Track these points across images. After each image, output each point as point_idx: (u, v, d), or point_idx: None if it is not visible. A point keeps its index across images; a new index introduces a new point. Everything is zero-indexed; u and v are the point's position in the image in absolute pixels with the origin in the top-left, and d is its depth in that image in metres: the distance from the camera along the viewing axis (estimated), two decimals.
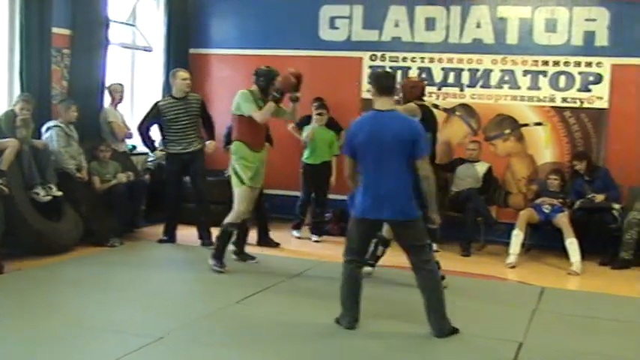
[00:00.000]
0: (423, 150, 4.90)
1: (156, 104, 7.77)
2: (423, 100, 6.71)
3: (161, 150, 8.08)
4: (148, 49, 9.43)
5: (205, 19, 9.85)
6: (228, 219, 6.58)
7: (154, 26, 9.52)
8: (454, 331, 4.99)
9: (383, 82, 5.03)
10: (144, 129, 7.79)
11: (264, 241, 8.06)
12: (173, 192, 7.87)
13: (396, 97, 5.51)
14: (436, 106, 8.93)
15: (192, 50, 9.82)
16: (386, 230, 6.16)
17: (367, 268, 6.27)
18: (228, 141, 8.02)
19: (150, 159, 9.06)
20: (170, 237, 7.89)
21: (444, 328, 4.94)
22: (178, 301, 5.69)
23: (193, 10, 9.81)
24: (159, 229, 8.46)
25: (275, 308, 5.55)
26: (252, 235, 8.04)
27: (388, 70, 5.11)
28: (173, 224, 7.92)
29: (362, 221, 5.03)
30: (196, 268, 6.84)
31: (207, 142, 7.88)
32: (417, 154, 4.87)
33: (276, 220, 8.65)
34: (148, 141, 7.84)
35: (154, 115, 7.70)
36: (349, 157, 5.03)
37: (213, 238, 7.72)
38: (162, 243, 7.84)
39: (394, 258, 7.75)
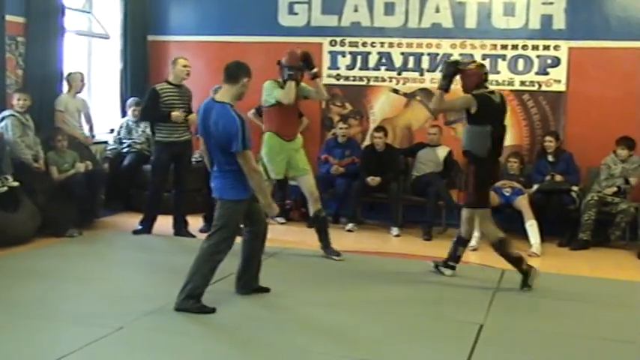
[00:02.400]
0: (235, 146, 4.89)
1: (153, 89, 7.51)
2: (486, 88, 6.09)
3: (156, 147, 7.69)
4: (104, 37, 9.29)
5: (163, 6, 9.72)
6: None
7: (110, 13, 9.38)
8: (185, 308, 5.00)
9: (228, 70, 5.10)
10: (150, 117, 7.63)
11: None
12: (159, 182, 7.64)
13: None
14: (396, 91, 9.00)
15: (150, 37, 9.69)
16: (465, 230, 6.24)
17: (447, 270, 6.33)
18: None
19: (109, 147, 8.98)
20: (146, 227, 7.64)
21: (179, 302, 5.02)
22: (139, 291, 5.62)
23: None
24: (119, 219, 8.40)
25: (237, 295, 5.52)
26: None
27: (240, 60, 5.20)
28: (153, 215, 7.67)
29: None
30: (158, 256, 6.79)
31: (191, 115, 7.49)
32: (232, 150, 4.92)
33: None
34: (156, 119, 7.52)
35: (155, 100, 7.40)
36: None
37: (189, 228, 7.74)
38: (137, 234, 7.60)
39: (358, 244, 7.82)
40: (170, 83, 7.47)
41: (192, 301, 5.02)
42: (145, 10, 9.61)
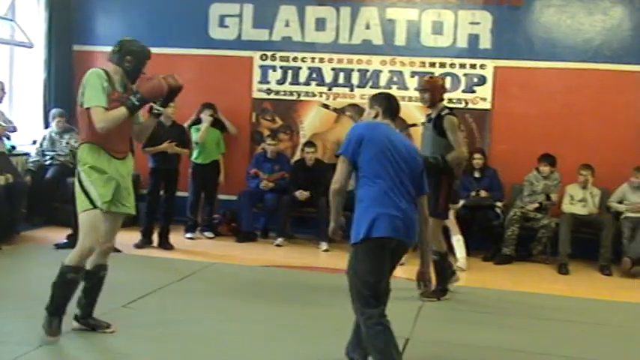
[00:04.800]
0: (426, 186, 4.24)
1: None
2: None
3: None
4: (28, 46, 9.05)
5: (90, 15, 9.54)
6: (68, 259, 4.62)
7: (34, 21, 9.14)
8: None
9: (396, 105, 4.35)
10: None
11: (163, 244, 7.88)
12: None
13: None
14: (326, 106, 9.03)
15: (75, 47, 9.50)
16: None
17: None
18: (146, 145, 7.54)
19: (31, 159, 8.73)
20: (73, 243, 7.28)
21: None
22: None
23: (76, 4, 9.50)
24: (40, 234, 8.18)
25: (162, 311, 5.43)
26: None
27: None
28: None
29: None
30: None
31: None
32: (424, 190, 4.25)
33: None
34: None
35: None
36: None
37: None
38: (60, 249, 7.28)
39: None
40: None
41: None
42: (70, 19, 9.41)
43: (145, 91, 4.60)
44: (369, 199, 4.04)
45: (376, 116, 4.27)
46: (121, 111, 4.56)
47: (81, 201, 4.57)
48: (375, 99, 4.34)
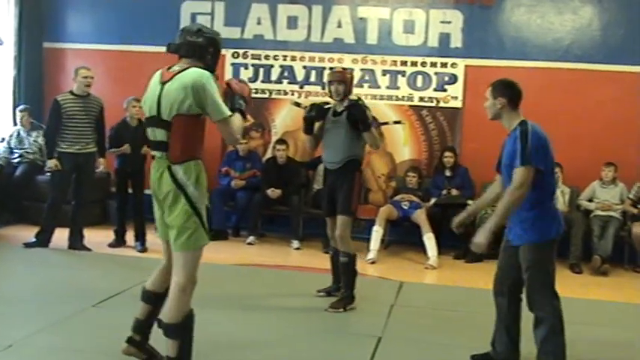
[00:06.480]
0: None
1: (55, 100, 7.28)
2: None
3: (57, 157, 7.28)
4: None
5: (60, 12, 9.46)
6: (181, 309, 3.94)
7: (4, 18, 9.03)
8: None
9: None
10: (53, 130, 7.24)
11: (142, 243, 7.79)
12: (59, 194, 7.36)
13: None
14: (298, 104, 8.98)
15: (46, 44, 9.42)
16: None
17: None
18: (112, 145, 7.66)
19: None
20: (42, 240, 7.32)
21: None
22: (31, 306, 5.39)
23: (47, 2, 9.41)
24: (9, 232, 8.10)
25: (132, 311, 5.38)
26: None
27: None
28: (51, 228, 7.35)
29: None
30: (49, 271, 6.54)
31: (101, 160, 7.58)
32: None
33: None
34: (52, 146, 7.27)
35: (57, 113, 7.18)
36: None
37: (85, 241, 7.44)
38: (29, 247, 7.23)
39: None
40: (73, 94, 7.28)
41: None
42: (41, 16, 9.33)
43: (245, 94, 4.11)
44: (548, 200, 4.26)
45: (502, 107, 4.31)
46: (240, 119, 4.05)
47: (198, 236, 3.91)
48: (497, 88, 4.32)
